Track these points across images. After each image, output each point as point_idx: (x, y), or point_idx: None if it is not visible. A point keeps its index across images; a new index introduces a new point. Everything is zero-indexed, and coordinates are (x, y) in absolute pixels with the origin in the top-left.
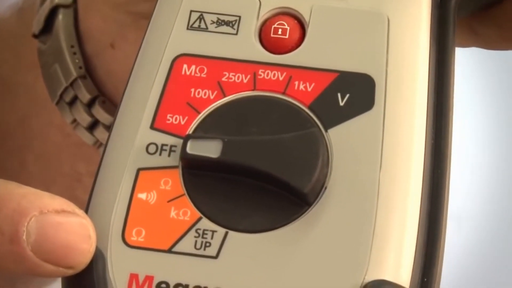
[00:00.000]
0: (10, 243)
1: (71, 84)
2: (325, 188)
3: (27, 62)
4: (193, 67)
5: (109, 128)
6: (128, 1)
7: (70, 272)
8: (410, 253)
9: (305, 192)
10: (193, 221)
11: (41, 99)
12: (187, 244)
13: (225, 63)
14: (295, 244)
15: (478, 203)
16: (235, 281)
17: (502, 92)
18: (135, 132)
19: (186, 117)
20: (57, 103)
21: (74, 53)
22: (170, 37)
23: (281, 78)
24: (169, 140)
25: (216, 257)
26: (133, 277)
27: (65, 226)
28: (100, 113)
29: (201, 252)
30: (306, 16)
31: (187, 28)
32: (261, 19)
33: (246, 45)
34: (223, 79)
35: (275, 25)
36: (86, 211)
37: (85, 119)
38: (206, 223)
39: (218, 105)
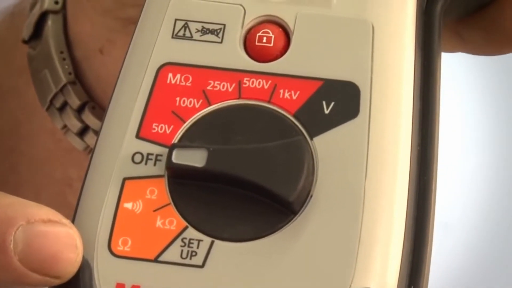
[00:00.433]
0: None
1: (61, 90)
2: (311, 196)
3: (17, 68)
4: (178, 75)
5: None
6: (117, 7)
7: (57, 281)
8: (396, 260)
9: (291, 200)
10: (179, 231)
11: (31, 105)
12: (173, 254)
13: (210, 71)
14: (281, 252)
15: (465, 210)
16: None
17: (493, 102)
18: (121, 141)
19: (172, 126)
20: (47, 109)
21: (64, 59)
22: (155, 46)
23: (266, 87)
24: (155, 149)
25: (202, 266)
26: (120, 286)
27: (52, 236)
28: (90, 118)
29: (187, 261)
30: (290, 24)
31: (172, 37)
32: (246, 27)
33: (231, 53)
34: (208, 87)
35: (260, 33)
36: (73, 220)
37: (75, 125)
38: (192, 232)
39: (203, 113)
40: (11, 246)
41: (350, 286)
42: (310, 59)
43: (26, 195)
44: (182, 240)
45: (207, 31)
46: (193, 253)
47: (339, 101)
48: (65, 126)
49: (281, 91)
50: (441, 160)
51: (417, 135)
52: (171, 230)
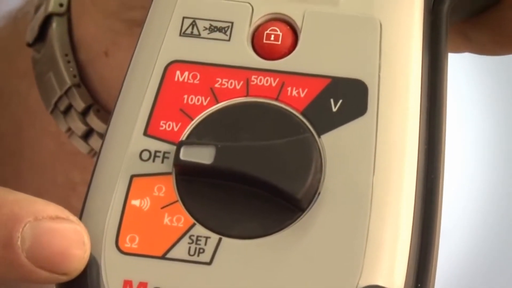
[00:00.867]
0: (3, 249)
1: (66, 93)
2: (319, 193)
3: (21, 71)
4: (186, 73)
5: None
6: (121, 9)
7: (65, 278)
8: (404, 258)
9: (299, 197)
10: (186, 228)
11: (35, 108)
12: (180, 251)
13: (218, 69)
14: (288, 249)
15: (464, 216)
16: (228, 286)
17: (491, 110)
18: (129, 139)
19: (179, 124)
20: (52, 112)
21: (68, 62)
22: (162, 44)
23: (274, 84)
24: (163, 146)
25: (209, 263)
26: (127, 283)
27: (59, 233)
28: (94, 121)
29: (194, 258)
30: (298, 22)
31: (180, 35)
32: (254, 25)
33: (238, 51)
34: (216, 85)
35: (268, 31)
36: (80, 217)
37: (80, 128)
38: (199, 230)
39: (211, 111)
40: (19, 242)
41: (358, 283)
42: (318, 56)
43: None
44: (189, 237)
45: (215, 29)
46: (201, 250)
47: (347, 98)
48: (69, 129)
49: (289, 88)
50: None
51: (425, 133)
52: (179, 227)
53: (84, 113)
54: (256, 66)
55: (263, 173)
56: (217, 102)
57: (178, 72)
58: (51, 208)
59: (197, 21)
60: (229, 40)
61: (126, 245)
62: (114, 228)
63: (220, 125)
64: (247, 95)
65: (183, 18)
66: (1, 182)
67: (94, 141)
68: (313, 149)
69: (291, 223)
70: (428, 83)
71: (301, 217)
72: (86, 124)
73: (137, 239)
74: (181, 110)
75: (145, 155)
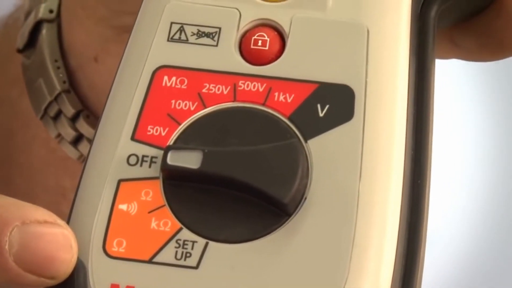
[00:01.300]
0: None
1: (55, 99)
2: (305, 198)
3: (12, 77)
4: (173, 78)
5: None
6: (111, 15)
7: (52, 282)
8: (390, 263)
9: (285, 202)
10: (173, 232)
11: (25, 114)
12: (167, 255)
13: (206, 74)
14: (275, 254)
15: (451, 227)
16: None
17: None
18: (116, 144)
19: (167, 129)
20: (42, 118)
21: (58, 68)
22: (150, 49)
23: (261, 89)
24: (150, 151)
25: (196, 267)
26: (114, 287)
27: (47, 237)
28: (84, 127)
29: (181, 262)
30: (286, 28)
31: (168, 40)
32: (241, 31)
33: (226, 56)
34: (204, 90)
35: (255, 37)
36: (68, 221)
37: (70, 134)
38: (186, 234)
39: (199, 116)
40: (6, 246)
41: (344, 287)
42: (305, 62)
43: None
44: (176, 241)
45: (203, 34)
46: (188, 254)
47: (334, 104)
48: (59, 135)
49: (276, 94)
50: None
51: (411, 139)
52: (166, 231)
53: (73, 119)
54: (243, 71)
55: (250, 178)
56: (205, 107)
57: (165, 77)
58: (39, 213)
59: (185, 26)
60: (216, 45)
61: (113, 249)
62: (102, 232)
63: (208, 130)
64: (234, 100)
65: (171, 23)
66: None
67: (84, 146)
68: (300, 154)
69: (277, 228)
70: (415, 88)
71: (288, 221)
72: (75, 130)
73: (124, 243)
74: (168, 115)
75: (133, 159)
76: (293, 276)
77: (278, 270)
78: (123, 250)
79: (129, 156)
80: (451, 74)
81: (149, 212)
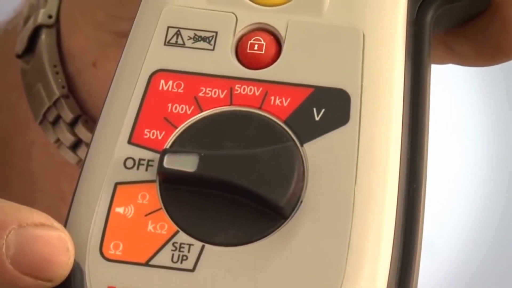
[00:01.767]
0: None
1: (54, 104)
2: (301, 201)
3: (11, 83)
4: (170, 82)
5: None
6: (109, 21)
7: (49, 285)
8: (386, 266)
9: (281, 205)
10: (170, 235)
11: (24, 119)
12: (164, 258)
13: (202, 78)
14: (271, 257)
15: (452, 230)
16: None
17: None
18: (113, 147)
19: (163, 132)
20: (41, 123)
21: (57, 73)
22: (147, 53)
23: (257, 93)
24: (147, 154)
25: (193, 270)
26: None
27: (44, 240)
28: (83, 132)
29: (178, 265)
30: (282, 32)
31: (165, 44)
32: (238, 35)
33: (222, 60)
34: (200, 94)
35: (251, 41)
36: (65, 224)
37: (68, 139)
38: (183, 237)
39: (195, 120)
40: (3, 249)
41: None
42: (301, 66)
43: None
44: (173, 244)
45: (199, 39)
46: (184, 257)
47: (330, 108)
48: (58, 140)
49: (272, 98)
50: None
51: (407, 143)
52: (162, 234)
53: (72, 124)
54: (239, 75)
55: (246, 181)
56: (201, 110)
57: (162, 81)
58: (36, 215)
59: (181, 30)
60: (213, 49)
61: (110, 252)
62: (98, 235)
63: (204, 134)
64: (230, 104)
65: (168, 27)
66: None
67: (83, 151)
68: (296, 157)
69: (273, 231)
70: (411, 93)
71: (284, 224)
72: (74, 134)
73: (121, 246)
74: (165, 118)
75: (129, 163)
76: (289, 278)
77: (274, 273)
78: (120, 253)
79: (126, 159)
80: (447, 77)
81: (145, 215)
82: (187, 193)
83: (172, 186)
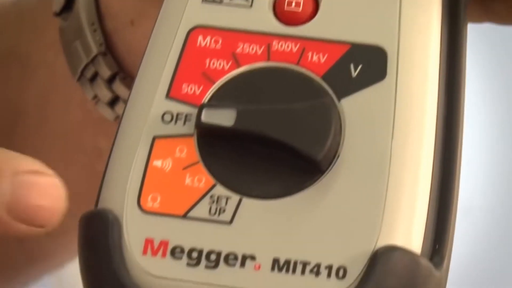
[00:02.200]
0: None
1: (92, 61)
2: (338, 156)
3: (48, 40)
4: (208, 38)
5: None
6: None
7: (42, 231)
8: (422, 219)
9: (318, 159)
10: (207, 188)
11: (61, 77)
12: (201, 210)
13: (240, 34)
14: (307, 210)
15: (488, 194)
16: (248, 245)
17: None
18: (151, 101)
19: (201, 87)
20: (78, 80)
21: (95, 30)
22: (185, 10)
23: (294, 50)
24: (184, 109)
25: (230, 222)
26: (148, 242)
27: (38, 187)
28: (120, 88)
29: (215, 217)
30: None
31: (202, 1)
32: None
33: (260, 17)
34: (238, 50)
35: None
36: (103, 177)
37: (106, 95)
38: (220, 190)
39: (233, 75)
40: None
41: (376, 243)
42: (338, 23)
43: (56, 166)
44: (210, 197)
45: None
46: (222, 210)
47: (366, 64)
48: (95, 97)
49: (310, 54)
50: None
51: (443, 98)
52: (200, 187)
53: (110, 81)
54: (277, 31)
55: (284, 135)
56: (239, 66)
57: (200, 37)
58: (30, 162)
59: None
60: (251, 6)
61: (148, 204)
62: (136, 188)
63: (241, 89)
64: (268, 60)
65: None
66: (29, 150)
67: (120, 108)
68: (333, 112)
69: (310, 185)
70: (448, 50)
71: (321, 178)
72: (112, 91)
73: (159, 198)
74: (203, 74)
75: (167, 117)
76: (326, 232)
77: (310, 226)
78: (157, 205)
79: (164, 113)
80: None
81: (183, 169)
82: (225, 147)
83: (210, 140)
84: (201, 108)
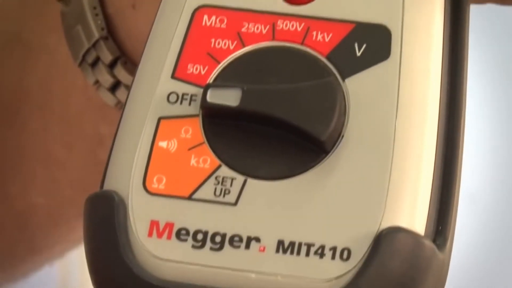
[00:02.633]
0: None
1: (93, 45)
2: (342, 136)
3: (49, 25)
4: (213, 18)
5: None
6: None
7: None
8: (425, 201)
9: (323, 139)
10: (212, 169)
11: (63, 62)
12: (206, 191)
13: (245, 14)
14: (312, 191)
15: (493, 183)
16: (253, 227)
17: None
18: (156, 82)
19: (207, 67)
20: (80, 64)
21: (96, 14)
22: None
23: (299, 29)
24: (190, 89)
25: (235, 204)
26: (154, 224)
27: None
28: (122, 73)
29: (220, 199)
30: None
31: None
32: None
33: None
34: (243, 29)
35: None
36: (108, 159)
37: (107, 80)
38: (225, 171)
39: (238, 55)
40: None
41: (380, 224)
42: (342, 2)
43: (58, 152)
44: (215, 178)
45: None
46: (227, 191)
47: (371, 43)
48: (97, 82)
49: (314, 33)
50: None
51: (446, 77)
52: (205, 168)
53: (111, 66)
54: (282, 11)
55: (288, 115)
56: (244, 46)
57: (205, 17)
58: None
59: None
60: None
61: (153, 185)
62: (142, 169)
63: (246, 69)
64: (273, 39)
65: None
66: (30, 134)
67: (122, 93)
68: (338, 92)
69: (315, 165)
70: (451, 30)
71: (325, 159)
72: (113, 76)
73: (164, 180)
74: (208, 53)
75: (173, 97)
76: (330, 213)
77: (315, 207)
78: (163, 187)
79: (169, 94)
80: None
81: (188, 149)
82: (230, 127)
83: (215, 121)
84: (206, 88)
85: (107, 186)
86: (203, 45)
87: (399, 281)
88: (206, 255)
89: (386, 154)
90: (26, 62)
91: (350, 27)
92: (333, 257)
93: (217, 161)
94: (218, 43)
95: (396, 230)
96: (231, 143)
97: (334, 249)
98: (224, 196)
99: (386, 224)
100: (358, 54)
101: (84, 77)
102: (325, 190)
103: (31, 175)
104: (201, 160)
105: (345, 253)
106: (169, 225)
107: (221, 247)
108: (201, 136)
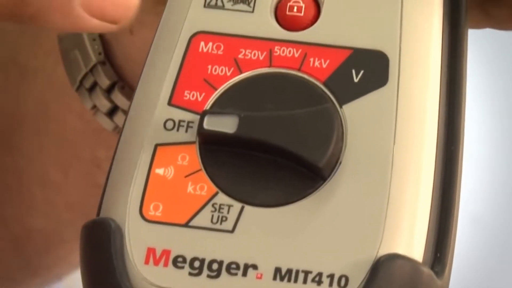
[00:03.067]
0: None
1: (91, 70)
2: (340, 162)
3: (47, 48)
4: (210, 44)
5: None
6: None
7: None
8: (424, 227)
9: (320, 166)
10: (209, 196)
11: (60, 85)
12: (203, 219)
13: (242, 40)
14: (310, 217)
15: (494, 204)
16: (250, 254)
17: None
18: (153, 109)
19: (203, 94)
20: (77, 89)
21: (94, 39)
22: (187, 15)
23: (296, 55)
24: (187, 116)
25: (232, 231)
26: (151, 251)
27: None
28: (119, 98)
29: (217, 226)
30: None
31: (204, 6)
32: None
33: (262, 22)
34: (240, 56)
35: (291, 3)
36: (105, 185)
37: (105, 105)
38: (222, 198)
39: (235, 81)
40: None
41: (378, 251)
42: (339, 28)
43: (55, 175)
44: (212, 205)
45: (239, 1)
46: (224, 218)
47: (368, 69)
48: (94, 107)
49: (311, 59)
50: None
51: (445, 104)
52: (202, 195)
53: (109, 90)
54: (279, 37)
55: (285, 142)
56: (241, 72)
57: (202, 43)
58: None
59: None
60: (252, 11)
61: (150, 213)
62: (138, 196)
63: (243, 95)
64: (270, 66)
65: None
66: (26, 157)
67: (119, 118)
68: (335, 118)
69: (312, 192)
70: (449, 55)
71: (323, 185)
72: (111, 101)
73: (161, 207)
74: (205, 80)
75: (170, 124)
76: (327, 240)
77: (312, 234)
78: (159, 214)
79: (166, 120)
80: None
81: (185, 176)
82: (227, 154)
83: (212, 147)
84: (203, 115)
85: (104, 213)
86: (200, 71)
87: None
88: (203, 282)
89: (384, 181)
90: (22, 85)
91: (347, 53)
92: (330, 285)
93: (214, 188)
94: (215, 70)
95: (394, 257)
96: (228, 170)
97: (331, 276)
98: (221, 223)
99: (383, 251)
100: (356, 80)
101: (82, 101)
102: (322, 216)
103: (28, 198)
104: (198, 187)
105: (343, 280)
106: (166, 253)
107: (218, 275)
108: (198, 163)
